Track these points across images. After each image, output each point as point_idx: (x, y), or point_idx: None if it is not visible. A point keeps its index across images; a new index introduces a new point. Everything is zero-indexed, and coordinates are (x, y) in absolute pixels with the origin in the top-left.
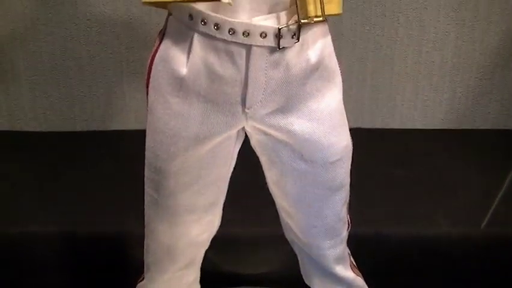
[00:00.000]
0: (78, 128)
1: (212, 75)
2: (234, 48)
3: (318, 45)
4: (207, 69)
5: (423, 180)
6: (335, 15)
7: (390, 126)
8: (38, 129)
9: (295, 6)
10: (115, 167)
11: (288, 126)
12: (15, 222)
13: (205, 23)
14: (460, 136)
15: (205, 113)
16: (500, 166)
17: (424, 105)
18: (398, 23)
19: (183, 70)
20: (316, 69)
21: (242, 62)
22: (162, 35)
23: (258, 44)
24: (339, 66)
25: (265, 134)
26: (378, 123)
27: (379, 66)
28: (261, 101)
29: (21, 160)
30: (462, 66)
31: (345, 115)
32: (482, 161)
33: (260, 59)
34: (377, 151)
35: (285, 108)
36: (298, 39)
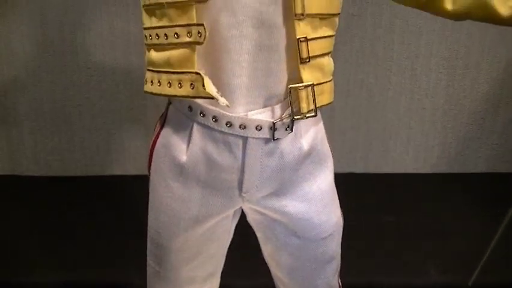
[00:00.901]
0: (78, 173)
1: (211, 162)
2: (231, 139)
3: (310, 133)
4: (205, 157)
5: (414, 228)
6: (326, 104)
7: (382, 170)
8: (38, 174)
9: (289, 98)
10: (114, 212)
11: (282, 208)
12: (15, 271)
13: (204, 115)
14: (451, 180)
15: (204, 196)
16: (492, 211)
17: (416, 150)
18: (391, 72)
19: (183, 157)
20: (309, 155)
21: (239, 152)
22: (163, 121)
23: (254, 136)
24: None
25: (261, 213)
26: (371, 168)
27: (372, 114)
28: (256, 186)
29: (21, 205)
30: (453, 112)
31: (335, 192)
32: (473, 206)
33: (256, 149)
34: (368, 197)
35: (279, 191)
36: (291, 130)
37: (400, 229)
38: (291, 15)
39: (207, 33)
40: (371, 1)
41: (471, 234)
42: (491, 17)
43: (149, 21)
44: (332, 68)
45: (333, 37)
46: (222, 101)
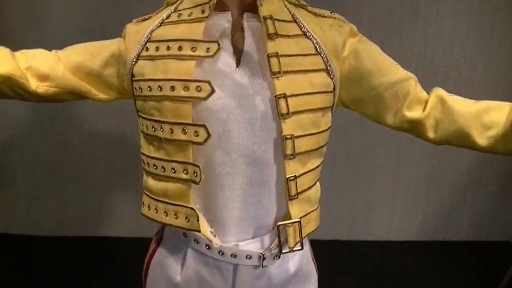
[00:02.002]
0: (70, 233)
1: (203, 283)
2: (223, 265)
3: (296, 257)
4: (198, 278)
5: None
6: (312, 232)
7: (366, 238)
8: (31, 233)
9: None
10: (105, 272)
11: None
12: None
13: (197, 242)
14: (432, 248)
15: None
16: (473, 278)
17: (399, 219)
18: (377, 145)
19: (177, 278)
20: (295, 276)
21: (229, 275)
22: (159, 240)
23: (244, 263)
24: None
25: None
26: (355, 235)
27: (358, 186)
28: None
29: (13, 263)
30: (436, 184)
31: None
32: (454, 273)
33: (245, 274)
34: (351, 265)
35: None
36: (279, 257)
37: None
38: (281, 154)
39: (203, 176)
40: None
41: None
42: (470, 146)
43: (147, 149)
44: (319, 194)
45: (322, 164)
46: (215, 242)
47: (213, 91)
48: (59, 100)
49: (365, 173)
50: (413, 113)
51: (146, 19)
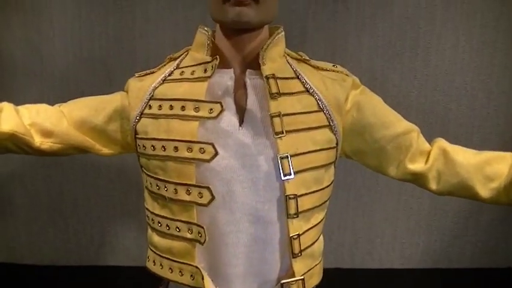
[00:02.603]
0: (72, 263)
1: None
2: None
3: None
4: None
5: None
6: (316, 286)
7: (369, 266)
8: (33, 263)
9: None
10: None
11: None
12: None
13: None
14: (435, 275)
15: None
16: None
17: (402, 247)
18: (378, 174)
19: None
20: None
21: None
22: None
23: None
24: None
25: None
26: (357, 264)
27: (360, 213)
28: None
29: None
30: (438, 212)
31: None
32: None
33: None
34: None
35: None
36: None
37: None
38: (284, 213)
39: (207, 237)
40: None
41: None
42: (472, 197)
43: (151, 205)
44: (322, 247)
45: (325, 215)
46: None
47: (216, 153)
48: (63, 155)
49: (366, 201)
50: (416, 166)
51: (148, 74)
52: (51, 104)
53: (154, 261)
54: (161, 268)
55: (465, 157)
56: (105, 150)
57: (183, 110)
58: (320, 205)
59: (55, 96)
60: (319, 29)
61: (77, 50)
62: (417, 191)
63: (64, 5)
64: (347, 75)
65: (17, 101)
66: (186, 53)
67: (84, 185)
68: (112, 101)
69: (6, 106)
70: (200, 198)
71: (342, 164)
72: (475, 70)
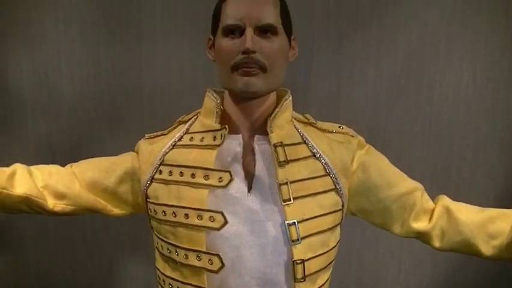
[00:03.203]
0: None
1: None
2: None
3: None
4: None
5: None
6: None
7: None
8: None
9: None
10: None
11: None
12: None
13: None
14: None
15: None
16: None
17: (407, 278)
18: None
19: None
20: None
21: None
22: None
23: None
24: None
25: None
26: None
27: (365, 247)
28: None
29: None
30: None
31: None
32: None
33: None
34: None
35: None
36: None
37: None
38: (292, 277)
39: None
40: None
41: None
42: (475, 254)
43: (162, 266)
44: None
45: (331, 275)
46: None
47: (226, 222)
48: (76, 215)
49: (371, 233)
50: (420, 224)
51: (158, 136)
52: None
53: None
54: None
55: (468, 215)
56: (116, 211)
57: (193, 178)
58: (326, 266)
59: (62, 127)
60: (324, 63)
61: (84, 83)
62: None
63: (72, 38)
64: (352, 136)
65: (25, 133)
66: (196, 117)
67: (92, 218)
68: (122, 162)
69: (20, 168)
70: (210, 265)
71: None
72: (478, 104)
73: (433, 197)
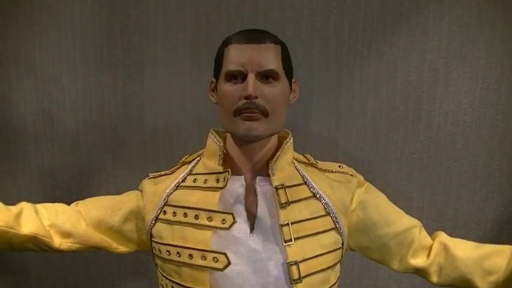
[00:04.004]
0: None
1: None
2: None
3: None
4: None
5: None
6: None
7: None
8: None
9: None
10: None
11: None
12: None
13: None
14: None
15: None
16: None
17: None
18: None
19: None
20: None
21: None
22: None
23: None
24: None
25: None
26: None
27: (365, 271)
28: None
29: None
30: None
31: None
32: None
33: None
34: None
35: None
36: None
37: None
38: None
39: None
40: (366, 170)
41: None
42: None
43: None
44: None
45: None
46: None
47: (229, 263)
48: (82, 251)
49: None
50: (417, 261)
51: (162, 175)
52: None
53: None
54: None
55: (465, 252)
56: (121, 249)
57: (197, 219)
58: None
59: (65, 159)
60: (324, 94)
61: (87, 115)
62: None
63: (75, 71)
64: (351, 175)
65: (29, 162)
66: (199, 158)
67: None
68: (127, 201)
69: (26, 207)
70: None
71: None
72: (476, 132)
73: (431, 227)
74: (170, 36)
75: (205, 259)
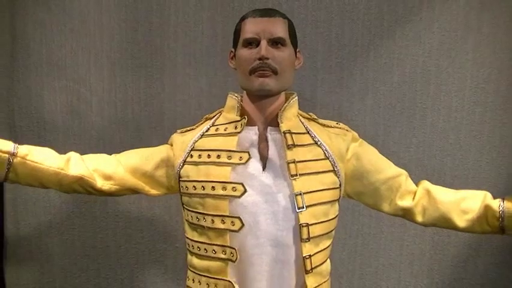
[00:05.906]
0: None
1: None
2: None
3: None
4: None
5: None
6: None
7: None
8: None
9: None
10: None
11: None
12: None
13: None
14: None
15: None
16: None
17: None
18: (383, 222)
19: None
20: None
21: None
22: None
23: None
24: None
25: None
26: None
27: (366, 259)
28: None
29: None
30: (438, 256)
31: None
32: None
33: None
34: None
35: None
36: None
37: None
38: (299, 238)
39: (238, 256)
40: None
41: None
42: (452, 228)
43: (191, 234)
44: (329, 268)
45: (331, 244)
46: None
47: (245, 191)
48: (119, 195)
49: (372, 248)
50: (404, 202)
51: (189, 130)
52: None
53: (193, 280)
54: (200, 284)
55: (445, 195)
56: (153, 192)
57: (218, 158)
58: (327, 233)
59: (91, 152)
60: (327, 93)
61: (112, 112)
62: (418, 238)
63: (101, 73)
64: (347, 130)
65: None
66: (219, 113)
67: (115, 234)
68: (159, 152)
69: (74, 155)
70: (232, 226)
71: (350, 214)
72: (467, 127)
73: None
74: (189, 41)
75: (225, 189)
